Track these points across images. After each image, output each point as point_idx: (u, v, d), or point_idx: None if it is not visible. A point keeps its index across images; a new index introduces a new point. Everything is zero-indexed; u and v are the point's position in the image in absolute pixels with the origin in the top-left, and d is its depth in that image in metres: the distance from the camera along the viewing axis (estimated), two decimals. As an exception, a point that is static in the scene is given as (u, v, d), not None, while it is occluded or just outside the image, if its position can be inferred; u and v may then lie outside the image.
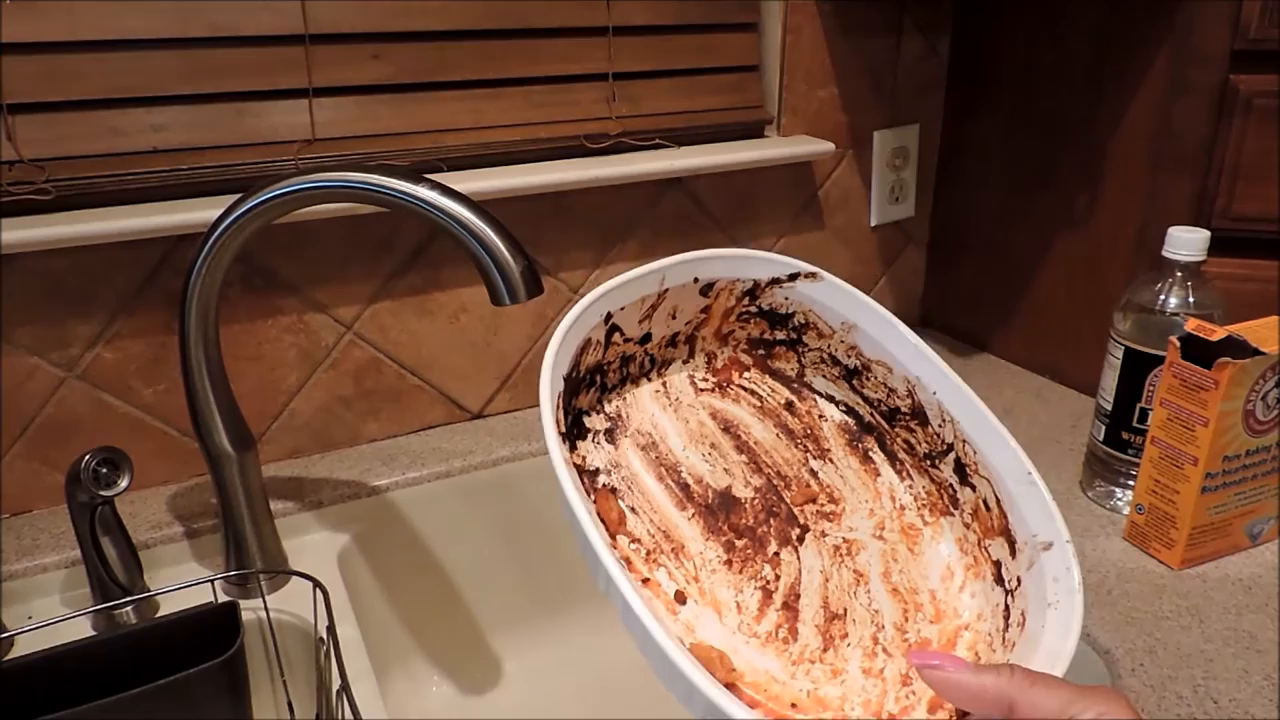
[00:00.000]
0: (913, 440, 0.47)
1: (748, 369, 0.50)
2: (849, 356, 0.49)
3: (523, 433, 0.88)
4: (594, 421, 0.46)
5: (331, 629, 0.60)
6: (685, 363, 0.49)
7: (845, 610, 0.43)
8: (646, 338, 0.48)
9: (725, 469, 0.47)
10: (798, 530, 0.45)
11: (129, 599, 0.65)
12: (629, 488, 0.45)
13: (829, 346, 0.49)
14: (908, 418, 0.47)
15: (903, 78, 1.00)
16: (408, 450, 0.85)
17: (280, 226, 0.73)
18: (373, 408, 0.85)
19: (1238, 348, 0.62)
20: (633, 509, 0.45)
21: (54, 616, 0.62)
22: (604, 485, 0.45)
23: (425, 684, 0.84)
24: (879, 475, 0.48)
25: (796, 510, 0.46)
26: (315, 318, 0.80)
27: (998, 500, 0.43)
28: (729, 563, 0.44)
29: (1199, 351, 0.63)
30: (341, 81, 0.76)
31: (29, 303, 0.70)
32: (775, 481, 0.47)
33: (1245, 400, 0.63)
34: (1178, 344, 0.64)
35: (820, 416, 0.50)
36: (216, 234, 0.59)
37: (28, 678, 0.57)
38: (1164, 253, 0.71)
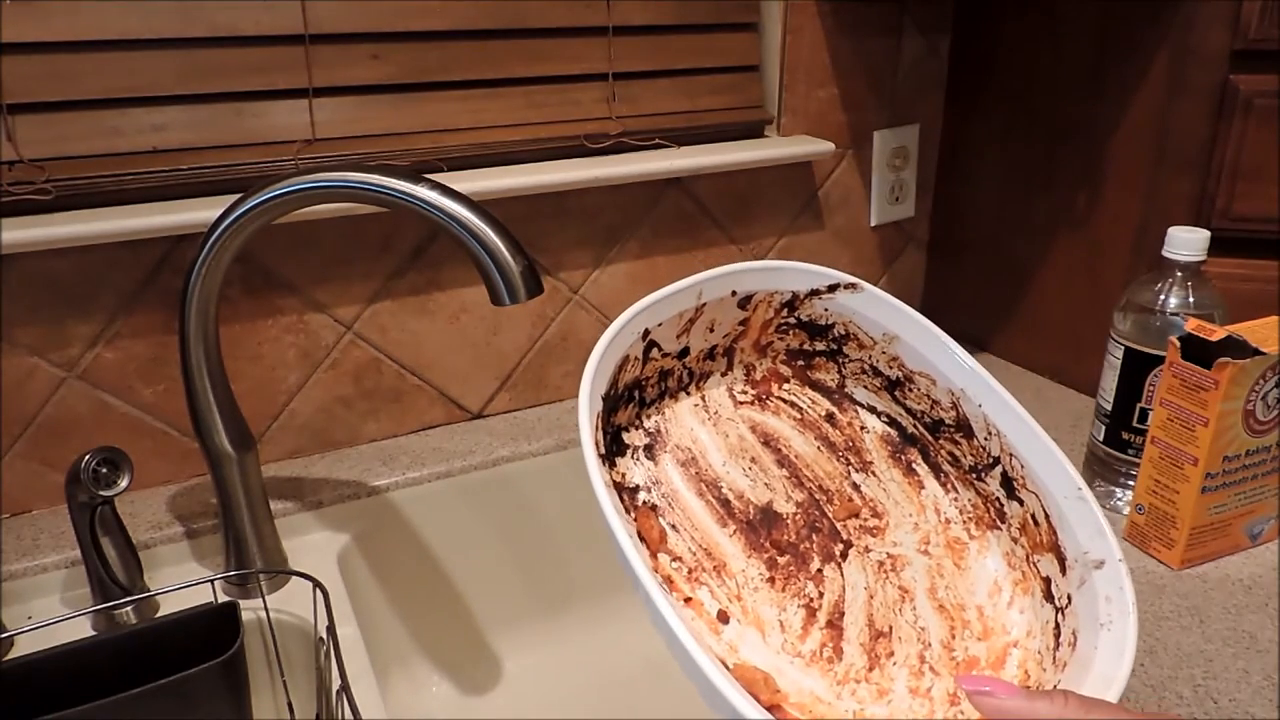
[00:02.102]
0: (958, 453, 0.47)
1: (787, 380, 0.49)
2: (891, 368, 0.48)
3: (523, 433, 0.88)
4: (633, 437, 0.45)
5: (331, 629, 0.60)
6: (724, 375, 0.49)
7: (890, 628, 0.42)
8: (684, 352, 0.47)
9: (766, 484, 0.46)
10: (841, 546, 0.44)
11: (129, 599, 0.65)
12: (669, 505, 0.45)
13: (870, 358, 0.48)
14: (952, 430, 0.46)
15: (903, 78, 1.00)
16: (408, 450, 0.85)
17: (280, 226, 0.73)
18: (373, 408, 0.85)
19: (1238, 348, 0.62)
20: (674, 526, 0.44)
21: (54, 616, 0.62)
22: (644, 503, 0.44)
23: (425, 684, 0.84)
24: (923, 488, 0.47)
25: (839, 525, 0.45)
26: (315, 318, 0.80)
27: (1046, 515, 0.42)
28: (771, 580, 0.43)
29: (1199, 351, 0.63)
30: (341, 81, 0.76)
31: (29, 303, 0.70)
32: (817, 496, 0.46)
33: (1245, 400, 0.63)
34: (1178, 344, 0.64)
35: (862, 428, 0.49)
36: (216, 234, 0.59)
37: (28, 678, 0.57)
38: (1164, 253, 0.71)
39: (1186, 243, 0.69)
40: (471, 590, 0.87)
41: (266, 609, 0.67)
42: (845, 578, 0.43)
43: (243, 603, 0.64)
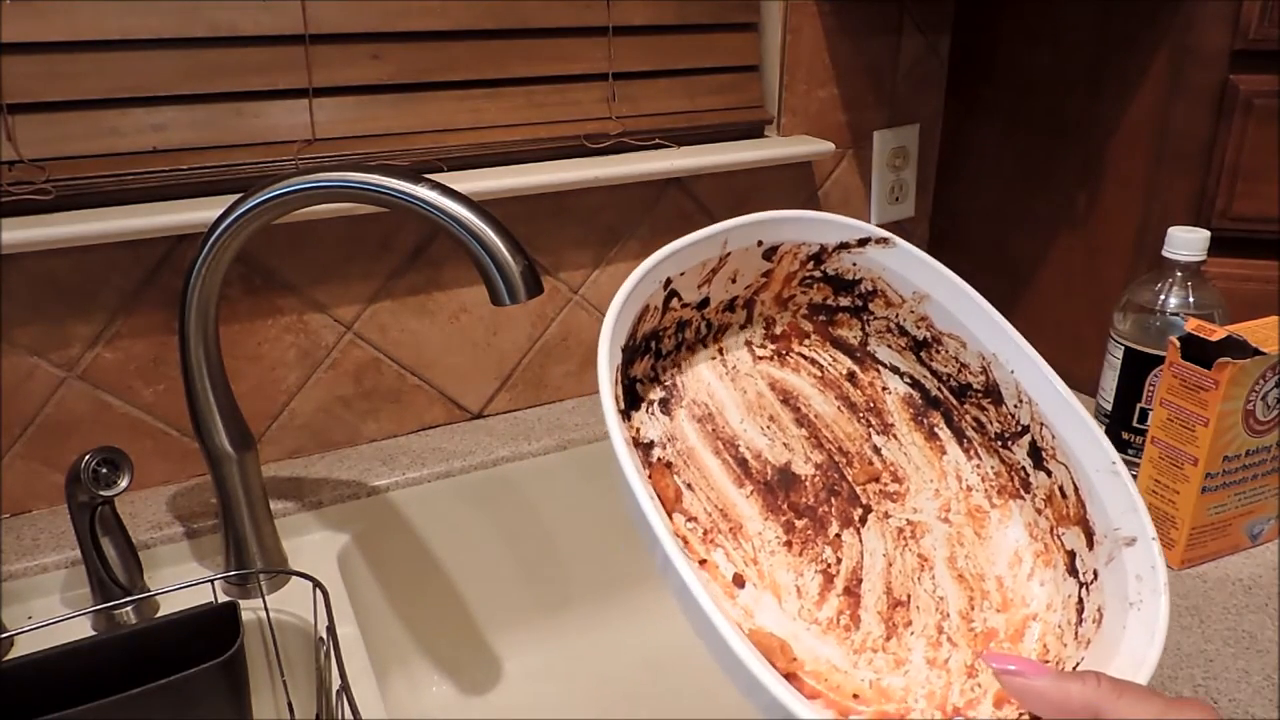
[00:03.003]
0: (984, 419, 0.45)
1: (808, 336, 0.47)
2: (919, 328, 0.46)
3: (523, 433, 0.88)
4: (648, 391, 0.43)
5: (331, 629, 0.60)
6: (743, 328, 0.47)
7: (909, 596, 0.41)
8: (704, 303, 0.45)
9: (785, 444, 0.44)
10: (860, 511, 0.43)
11: (129, 599, 0.65)
12: (685, 463, 0.43)
13: (897, 316, 0.46)
14: (980, 395, 0.45)
15: (903, 78, 1.00)
16: (408, 450, 0.85)
17: (280, 226, 0.73)
18: (373, 408, 0.85)
19: (1238, 348, 0.62)
20: (689, 485, 0.42)
21: (54, 616, 0.62)
22: (659, 459, 0.43)
23: (425, 684, 0.84)
24: (945, 454, 0.46)
25: (859, 489, 0.44)
26: (315, 318, 0.80)
27: (1075, 488, 0.41)
28: (789, 544, 0.42)
29: (1199, 351, 0.63)
30: (341, 81, 0.76)
31: (29, 303, 0.70)
32: (837, 458, 0.44)
33: (1245, 400, 0.63)
34: (1178, 344, 0.64)
35: (884, 389, 0.47)
36: (216, 234, 0.59)
37: (28, 678, 0.57)
38: (1164, 253, 0.71)
39: (1186, 243, 0.69)
40: (471, 591, 0.87)
41: (266, 609, 0.67)
42: (864, 544, 0.42)
43: (243, 603, 0.65)
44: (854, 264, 0.46)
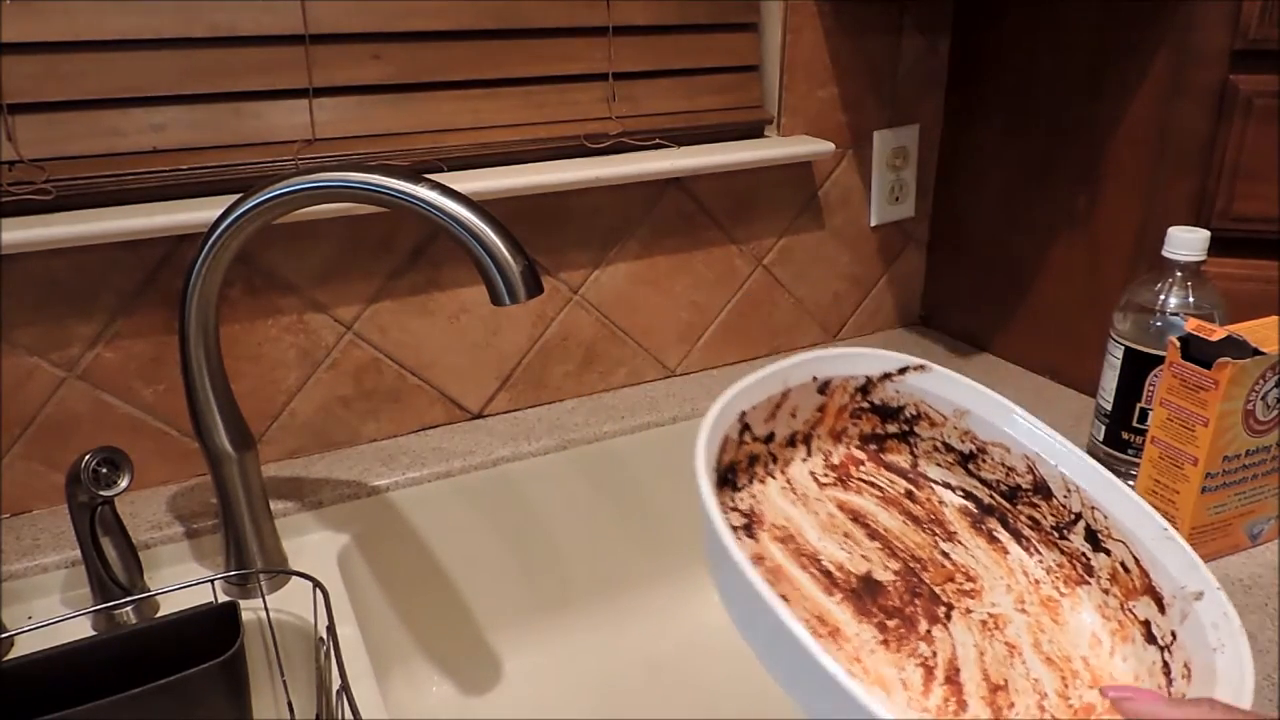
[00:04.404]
0: (1037, 515, 0.48)
1: (863, 463, 0.52)
2: (963, 442, 0.50)
3: (523, 433, 0.88)
4: (731, 519, 0.46)
5: (331, 629, 0.60)
6: (804, 461, 0.51)
7: (1006, 681, 0.42)
8: (770, 437, 0.49)
9: (862, 555, 0.47)
10: (943, 608, 0.45)
11: (129, 599, 0.65)
12: (775, 578, 0.45)
13: (942, 435, 0.50)
14: (1030, 493, 0.48)
15: (903, 78, 1.00)
16: (408, 450, 0.85)
17: (280, 226, 0.73)
18: (373, 408, 0.85)
19: (1238, 348, 0.62)
20: (784, 598, 0.44)
21: (54, 616, 0.62)
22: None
23: (425, 684, 0.84)
24: (1008, 553, 0.48)
25: (938, 589, 0.46)
26: (315, 318, 0.80)
27: (1136, 560, 0.43)
28: (885, 642, 0.43)
29: (1199, 351, 0.63)
30: (341, 81, 0.76)
31: (29, 303, 0.70)
32: (912, 564, 0.47)
33: (1245, 400, 0.63)
34: (1178, 344, 0.64)
35: (940, 502, 0.50)
36: (216, 234, 0.59)
37: (28, 678, 0.57)
38: (1164, 253, 0.71)
39: (1186, 243, 0.70)
40: (471, 590, 0.87)
41: (266, 609, 0.67)
42: (953, 637, 0.44)
43: (243, 603, 0.64)
44: (896, 391, 0.50)
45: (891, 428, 0.52)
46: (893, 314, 1.12)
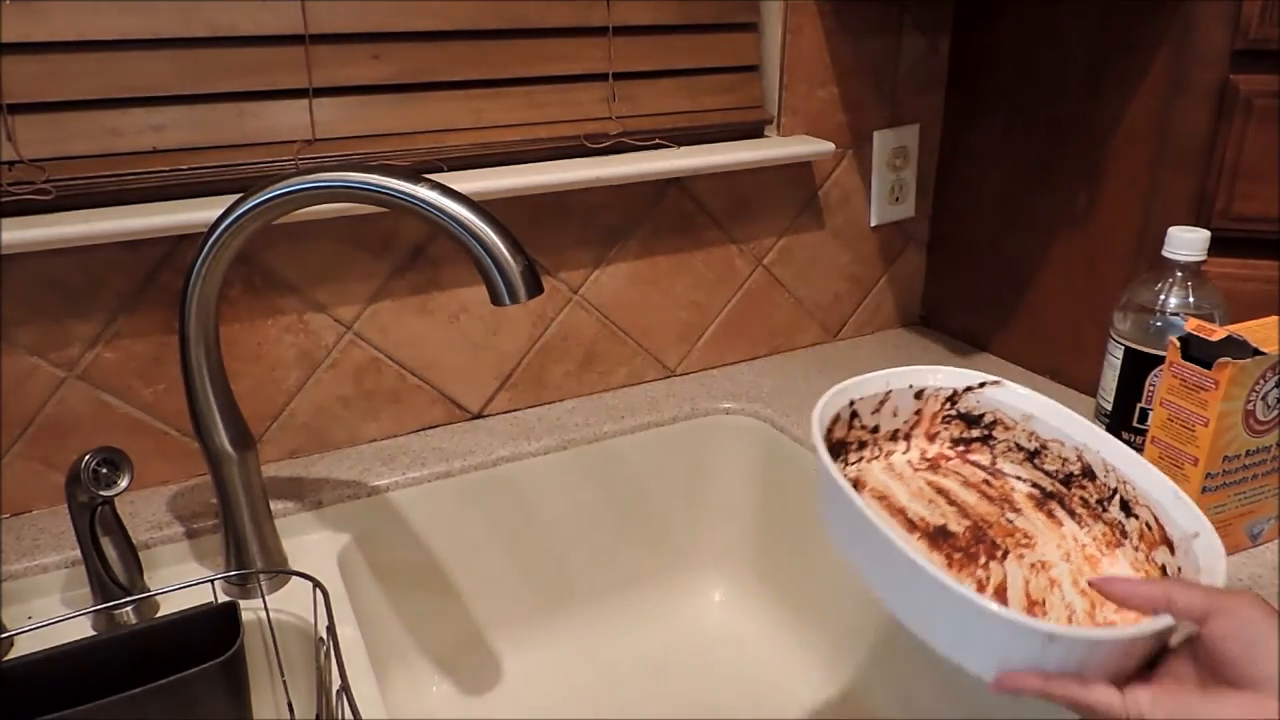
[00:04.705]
0: (1085, 495, 0.59)
1: (951, 459, 0.64)
2: (1029, 441, 0.61)
3: (523, 433, 0.88)
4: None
5: (331, 629, 0.60)
6: (904, 453, 0.64)
7: (1044, 600, 0.53)
8: (876, 429, 0.63)
9: (941, 513, 0.59)
10: (1001, 552, 0.56)
11: (129, 599, 0.65)
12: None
13: (1013, 437, 0.62)
14: (1080, 478, 0.59)
15: (903, 78, 1.00)
16: (408, 450, 0.85)
17: (280, 226, 0.73)
18: (373, 408, 0.85)
19: (1238, 348, 0.62)
20: None
21: (54, 616, 0.62)
22: None
23: (425, 684, 0.84)
24: (1062, 525, 0.59)
25: (998, 541, 0.57)
26: (315, 318, 0.80)
27: (1156, 519, 0.54)
28: (949, 567, 0.55)
29: (1199, 351, 0.63)
30: (341, 81, 0.76)
31: (29, 303, 0.70)
32: (980, 524, 0.58)
33: (1245, 400, 0.63)
34: (1178, 344, 0.64)
35: (1011, 489, 0.62)
36: (216, 234, 0.59)
37: (28, 678, 0.57)
38: (1164, 253, 0.71)
39: (1187, 242, 0.70)
40: (471, 590, 0.87)
41: (266, 609, 0.67)
42: (1005, 570, 0.55)
43: (243, 603, 0.65)
44: (977, 401, 0.63)
45: (975, 432, 0.64)
46: (893, 314, 1.12)
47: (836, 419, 0.59)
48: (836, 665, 0.86)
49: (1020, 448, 0.62)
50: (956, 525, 0.57)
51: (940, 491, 0.61)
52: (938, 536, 0.57)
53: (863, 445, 0.63)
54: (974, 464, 0.63)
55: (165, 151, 0.72)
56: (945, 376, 0.63)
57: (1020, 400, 0.61)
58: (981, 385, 0.62)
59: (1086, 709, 0.43)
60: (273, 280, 0.78)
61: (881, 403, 0.62)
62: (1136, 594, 0.45)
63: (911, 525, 0.57)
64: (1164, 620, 0.44)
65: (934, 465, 0.64)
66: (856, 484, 0.61)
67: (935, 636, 0.48)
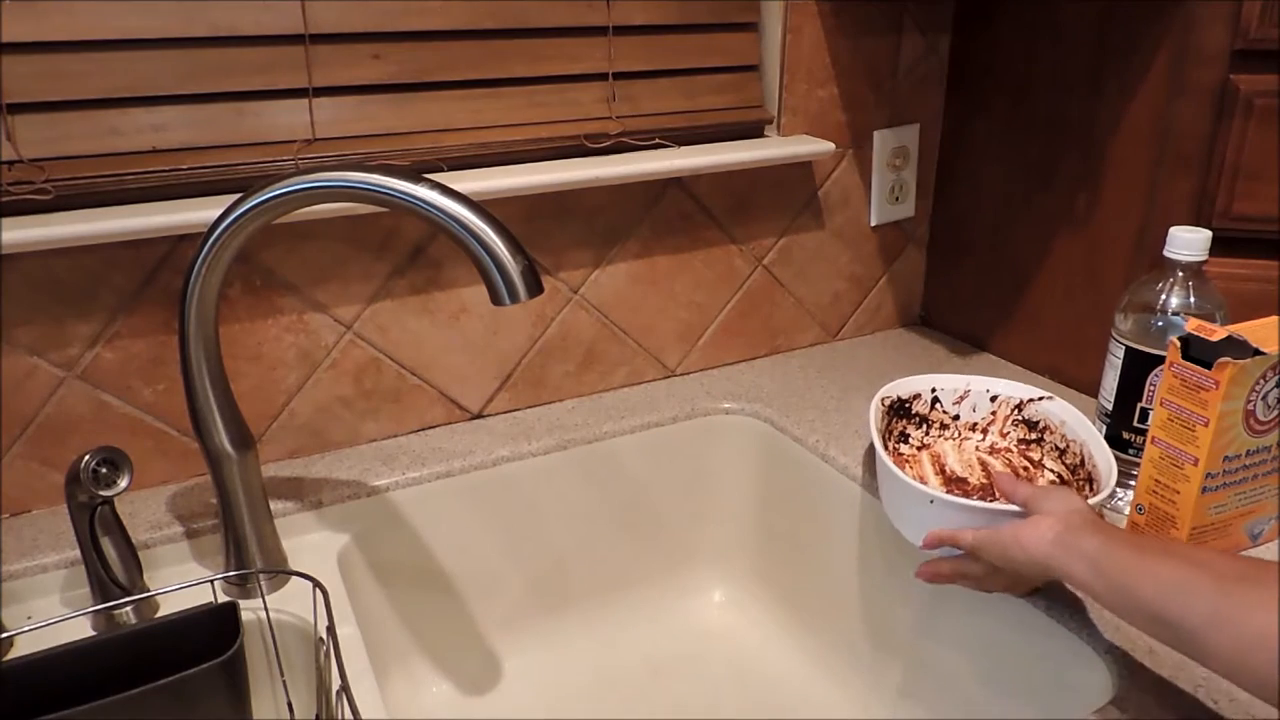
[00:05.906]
0: (1081, 475, 0.73)
1: (1011, 450, 0.80)
2: (1062, 441, 0.76)
3: (523, 433, 0.88)
4: (914, 439, 0.81)
5: (331, 629, 0.60)
6: (978, 441, 0.81)
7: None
8: (956, 417, 0.82)
9: (969, 472, 0.77)
10: (991, 498, 0.72)
11: (129, 599, 0.65)
12: (912, 464, 0.79)
13: (1054, 440, 0.77)
14: (1081, 466, 0.73)
15: (903, 78, 1.00)
16: (408, 450, 0.85)
17: (280, 226, 0.73)
18: (372, 408, 0.85)
19: (1238, 348, 0.62)
20: (908, 462, 0.80)
21: (54, 616, 0.62)
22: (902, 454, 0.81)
23: (425, 684, 0.84)
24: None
25: (998, 495, 0.71)
26: (315, 318, 0.80)
27: (1096, 469, 0.70)
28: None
29: (1200, 351, 0.63)
30: (341, 81, 0.76)
31: (29, 303, 0.70)
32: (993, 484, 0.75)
33: (1246, 400, 0.63)
34: (1178, 344, 0.64)
35: (1038, 476, 0.77)
36: (216, 234, 0.59)
37: (28, 678, 0.57)
38: (1165, 253, 0.71)
39: (1188, 242, 0.69)
40: (471, 590, 0.87)
41: (266, 609, 0.67)
42: None
43: (243, 603, 0.65)
44: (1036, 410, 0.78)
45: (1032, 435, 0.79)
46: (893, 314, 1.12)
47: (916, 397, 0.80)
48: (836, 665, 0.87)
49: (1056, 448, 0.77)
50: (974, 480, 0.76)
51: (982, 464, 0.78)
52: (953, 481, 0.76)
53: (945, 427, 0.82)
54: (1025, 456, 0.78)
55: (165, 151, 0.72)
56: (1017, 388, 0.80)
57: (1060, 409, 0.76)
58: (1039, 399, 0.78)
59: (969, 548, 0.61)
60: (273, 280, 0.78)
61: (962, 396, 0.81)
62: (1002, 486, 0.63)
63: (944, 477, 0.77)
64: (1011, 506, 0.61)
65: (994, 451, 0.80)
66: (922, 447, 0.81)
67: (897, 520, 0.68)
